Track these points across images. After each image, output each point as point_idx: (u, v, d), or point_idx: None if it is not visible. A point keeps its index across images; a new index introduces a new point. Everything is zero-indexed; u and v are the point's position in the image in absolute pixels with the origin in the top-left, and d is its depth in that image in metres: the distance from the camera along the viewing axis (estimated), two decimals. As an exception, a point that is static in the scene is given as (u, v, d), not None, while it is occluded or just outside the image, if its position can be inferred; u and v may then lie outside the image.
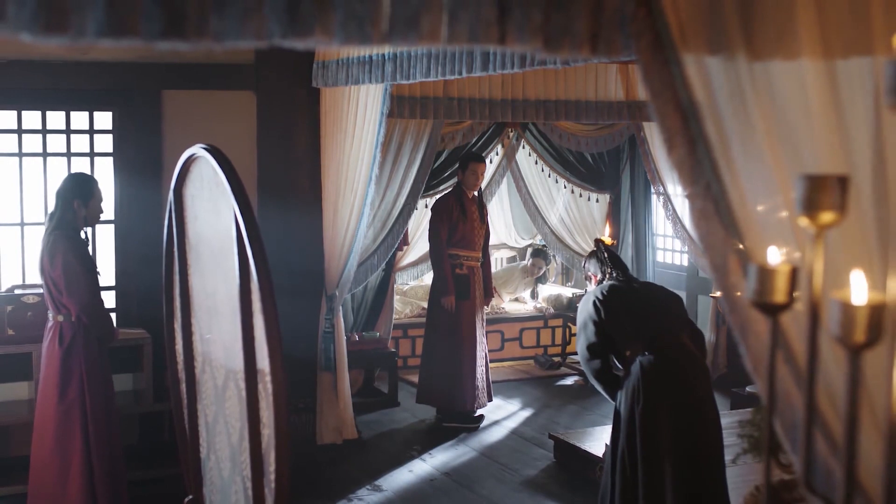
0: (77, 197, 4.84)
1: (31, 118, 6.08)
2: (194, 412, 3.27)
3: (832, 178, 1.26)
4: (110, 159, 6.16)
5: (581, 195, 9.35)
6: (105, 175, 6.05)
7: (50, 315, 4.91)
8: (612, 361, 4.54)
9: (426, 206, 8.17)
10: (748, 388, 7.13)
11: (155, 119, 6.12)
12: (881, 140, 1.67)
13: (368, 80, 5.31)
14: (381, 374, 8.08)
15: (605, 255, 4.77)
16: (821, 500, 1.38)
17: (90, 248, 5.20)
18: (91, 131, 6.18)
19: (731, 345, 7.90)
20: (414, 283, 9.41)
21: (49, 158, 6.09)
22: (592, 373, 4.54)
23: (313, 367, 6.53)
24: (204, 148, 2.89)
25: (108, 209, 5.49)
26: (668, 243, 9.53)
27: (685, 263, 9.17)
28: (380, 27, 1.53)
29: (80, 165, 6.11)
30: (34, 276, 5.67)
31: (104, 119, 6.20)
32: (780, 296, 1.31)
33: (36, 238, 5.55)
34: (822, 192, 1.26)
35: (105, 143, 6.19)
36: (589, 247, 8.99)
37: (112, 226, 6.14)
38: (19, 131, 6.03)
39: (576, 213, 9.39)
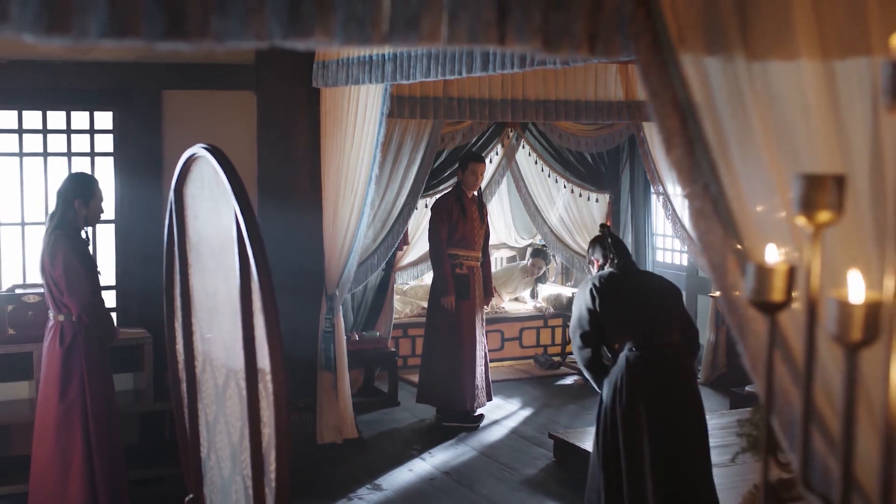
0: (78, 196, 4.85)
1: (32, 118, 6.08)
2: (195, 411, 3.28)
3: (829, 178, 1.27)
4: (111, 159, 6.16)
5: (581, 195, 9.35)
6: (105, 175, 6.06)
7: (51, 314, 4.91)
8: (602, 350, 4.56)
9: (426, 206, 8.17)
10: (747, 388, 7.13)
11: (155, 119, 6.12)
12: (878, 140, 1.68)
13: (368, 80, 5.32)
14: (381, 374, 8.09)
15: (610, 240, 4.77)
16: (818, 497, 1.39)
17: (91, 248, 5.21)
18: (91, 131, 6.18)
19: (731, 344, 7.91)
20: (414, 283, 9.42)
21: (50, 158, 6.10)
22: (583, 361, 4.58)
23: (313, 367, 6.54)
24: (204, 148, 2.89)
25: (108, 209, 5.49)
26: (668, 243, 9.53)
27: (685, 263, 9.18)
28: (380, 28, 1.54)
29: (81, 165, 6.12)
30: (35, 276, 5.68)
31: (105, 119, 6.20)
32: (777, 295, 1.31)
33: (37, 238, 5.55)
34: (819, 191, 1.26)
35: (105, 142, 6.19)
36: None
37: (112, 225, 6.15)
38: (20, 131, 6.04)
39: (575, 212, 9.39)
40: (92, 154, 6.18)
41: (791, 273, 1.32)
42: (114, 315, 5.93)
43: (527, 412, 7.65)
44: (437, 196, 7.78)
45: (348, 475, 6.16)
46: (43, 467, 4.87)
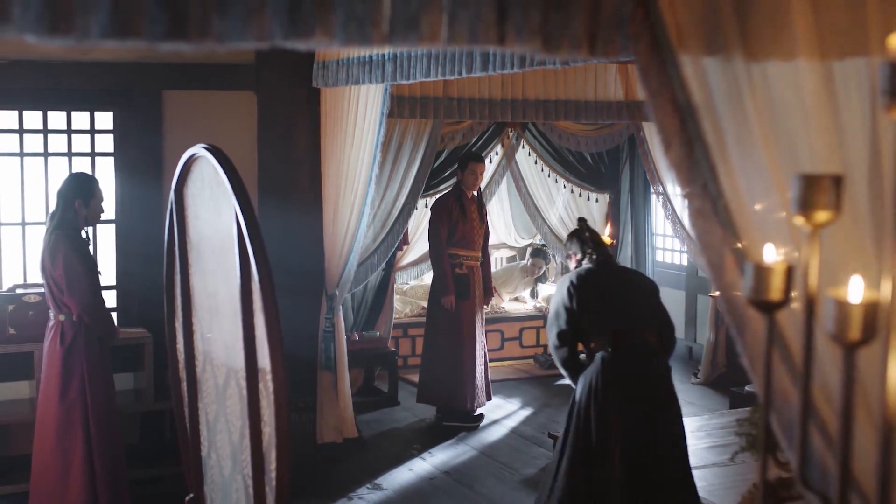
0: (78, 196, 4.85)
1: (33, 118, 6.09)
2: (195, 411, 3.28)
3: (827, 178, 1.27)
4: (111, 159, 6.17)
5: (581, 195, 9.36)
6: (106, 175, 6.06)
7: (51, 314, 4.92)
8: (577, 348, 4.56)
9: (426, 206, 8.18)
10: (747, 388, 7.13)
11: (156, 119, 6.13)
12: (877, 140, 1.68)
13: (368, 80, 5.32)
14: (382, 374, 8.09)
15: (587, 234, 4.76)
16: (817, 496, 1.39)
17: (91, 248, 5.21)
18: (92, 131, 6.19)
19: (730, 344, 7.91)
20: (414, 283, 9.42)
21: (50, 158, 6.10)
22: (560, 359, 4.58)
23: (314, 367, 6.54)
24: (205, 148, 2.90)
25: (109, 209, 5.50)
26: (668, 243, 9.54)
27: (685, 263, 9.19)
28: (380, 28, 1.54)
29: (81, 165, 6.12)
30: (35, 276, 5.68)
31: (105, 119, 6.21)
32: (776, 294, 1.32)
33: (37, 237, 5.56)
34: (817, 191, 1.27)
35: (106, 142, 6.20)
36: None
37: (113, 225, 6.15)
38: (20, 131, 6.04)
39: (575, 212, 9.38)
40: (92, 154, 6.18)
41: (789, 272, 1.32)
42: (114, 315, 5.93)
43: (527, 412, 7.66)
44: (437, 196, 7.78)
45: (348, 475, 6.16)
46: (43, 467, 4.87)
